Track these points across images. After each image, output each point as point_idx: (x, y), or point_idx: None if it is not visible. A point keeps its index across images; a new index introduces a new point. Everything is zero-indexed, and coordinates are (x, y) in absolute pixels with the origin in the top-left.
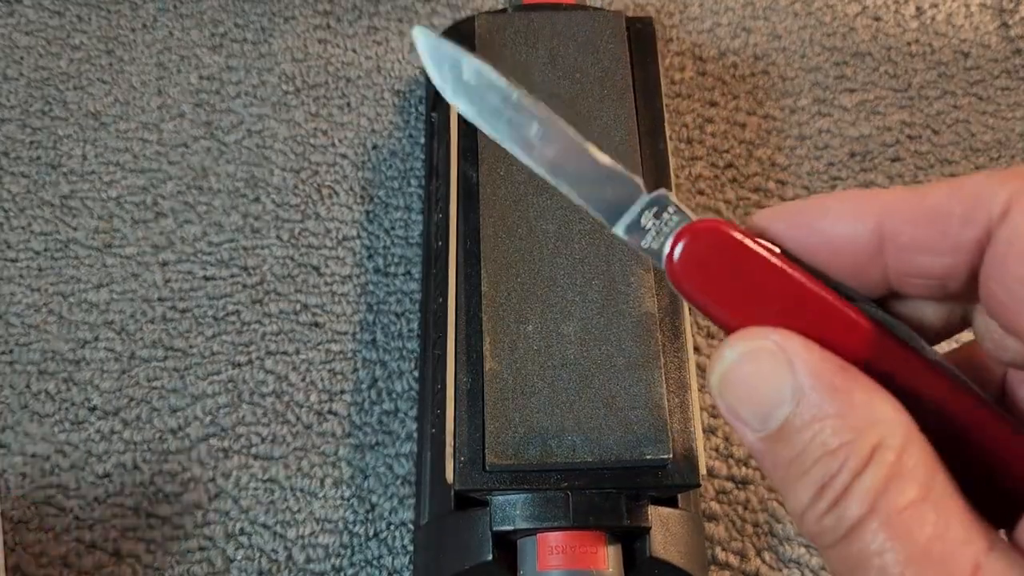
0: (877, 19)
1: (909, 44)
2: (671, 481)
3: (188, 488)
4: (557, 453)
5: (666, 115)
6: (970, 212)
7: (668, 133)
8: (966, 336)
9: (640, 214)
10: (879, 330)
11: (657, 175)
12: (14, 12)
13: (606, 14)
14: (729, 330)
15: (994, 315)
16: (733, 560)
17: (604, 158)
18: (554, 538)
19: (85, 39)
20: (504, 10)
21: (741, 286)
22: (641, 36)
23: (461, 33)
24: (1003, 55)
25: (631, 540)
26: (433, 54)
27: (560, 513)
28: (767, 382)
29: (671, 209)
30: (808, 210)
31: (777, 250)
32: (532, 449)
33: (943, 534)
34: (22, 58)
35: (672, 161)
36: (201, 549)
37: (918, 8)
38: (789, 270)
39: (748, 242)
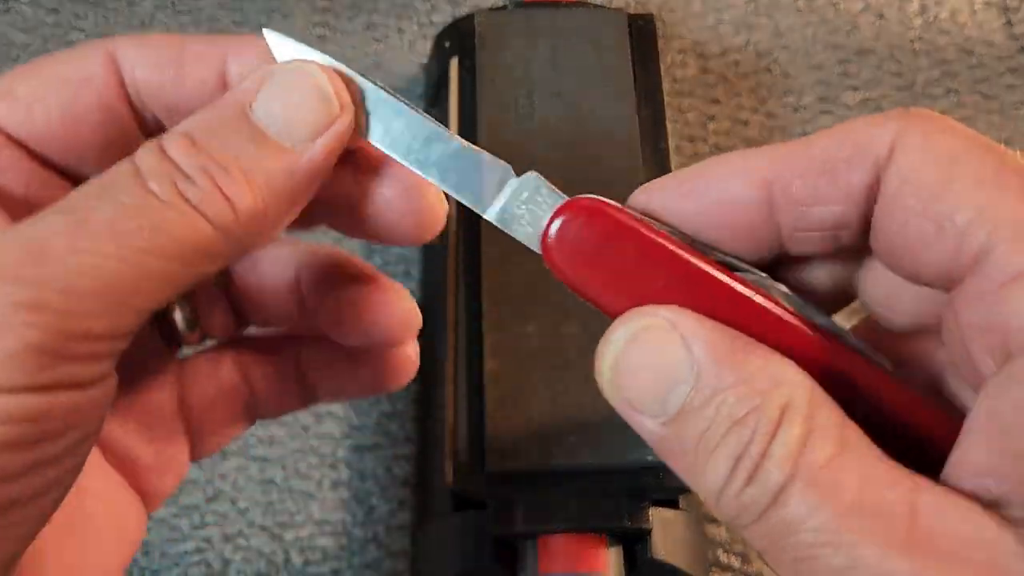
0: (881, 16)
1: (913, 42)
2: (672, 482)
3: (185, 489)
4: (557, 454)
5: (668, 113)
6: (857, 155)
7: (670, 131)
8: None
9: (511, 199)
10: (770, 301)
11: (659, 173)
12: (10, 9)
13: (607, 11)
14: (612, 315)
15: (889, 261)
16: (735, 562)
17: (467, 144)
18: (554, 541)
19: (81, 36)
20: (504, 7)
21: (622, 267)
22: (643, 33)
23: (461, 30)
24: (1008, 53)
25: (632, 542)
26: (285, 55)
27: (560, 515)
28: (661, 362)
29: (544, 191)
30: (690, 178)
31: (657, 226)
32: (532, 451)
33: (870, 483)
34: (18, 56)
35: (674, 160)
36: (199, 551)
37: (922, 5)
38: (671, 246)
39: (626, 219)
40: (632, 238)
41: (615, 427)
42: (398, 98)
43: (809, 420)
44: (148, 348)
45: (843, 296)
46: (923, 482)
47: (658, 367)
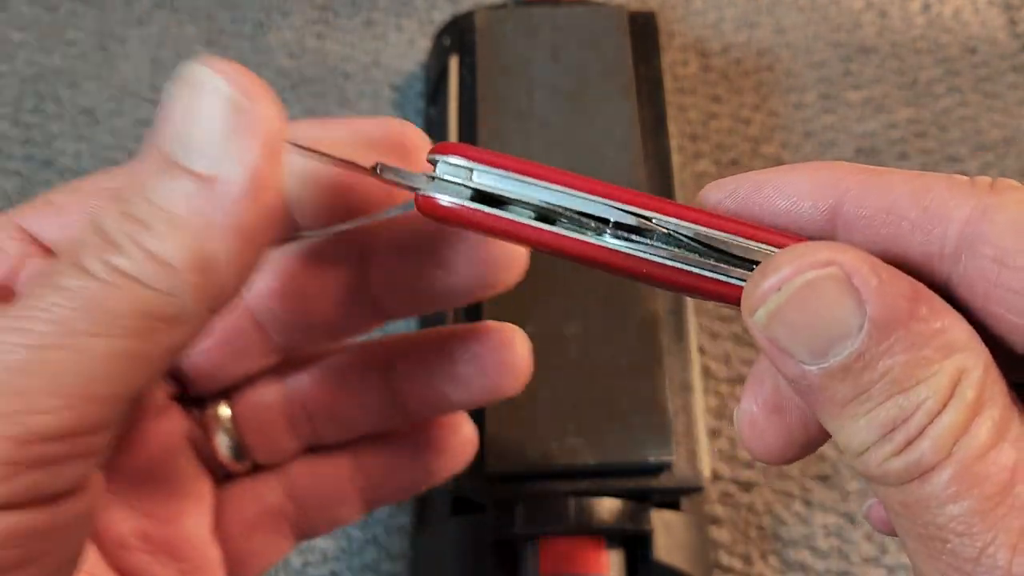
0: (883, 14)
1: (915, 40)
2: (674, 484)
3: None
4: (558, 456)
5: (669, 111)
6: (926, 223)
7: (671, 129)
8: None
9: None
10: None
11: (660, 172)
12: (7, 7)
13: (608, 8)
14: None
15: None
16: (737, 564)
17: None
18: (555, 543)
19: (79, 35)
20: (504, 5)
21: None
22: (644, 31)
23: (460, 28)
24: (1011, 51)
25: (633, 544)
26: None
27: (561, 518)
28: (830, 314)
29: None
30: (761, 182)
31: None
32: (532, 452)
33: (1021, 479)
34: (15, 54)
35: (676, 158)
36: None
37: (925, 3)
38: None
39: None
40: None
41: (616, 428)
42: None
43: (978, 401)
44: (183, 473)
45: None
46: None
47: (825, 319)
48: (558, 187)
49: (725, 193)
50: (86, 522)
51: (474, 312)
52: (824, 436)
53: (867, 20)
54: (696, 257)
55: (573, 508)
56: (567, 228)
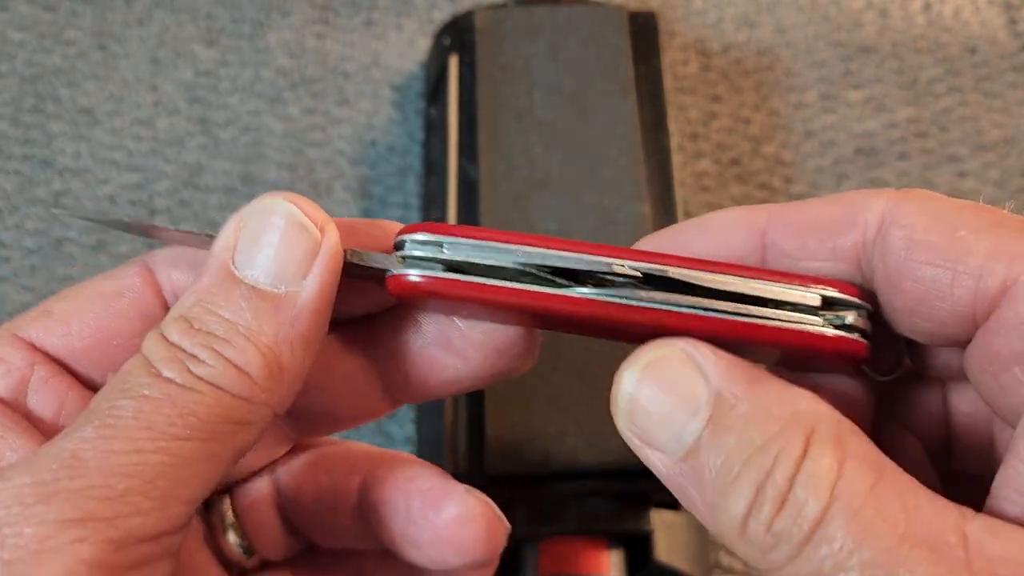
0: (883, 14)
1: (916, 39)
2: None
3: None
4: (558, 457)
5: (669, 111)
6: (847, 219)
7: (671, 129)
8: None
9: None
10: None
11: (660, 171)
12: (7, 7)
13: (608, 8)
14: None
15: (904, 321)
16: (737, 564)
17: None
18: (555, 544)
19: (78, 34)
20: (504, 4)
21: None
22: (644, 30)
23: (460, 27)
24: (1011, 51)
25: (634, 545)
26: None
27: (561, 518)
28: (678, 391)
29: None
30: (693, 229)
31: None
32: (532, 453)
33: (917, 512)
34: (15, 54)
35: (676, 158)
36: None
37: (925, 3)
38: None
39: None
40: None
41: (616, 429)
42: None
43: (840, 447)
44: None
45: None
46: (966, 509)
47: (674, 397)
48: (525, 247)
49: (658, 244)
50: None
51: None
52: None
53: (867, 20)
54: (664, 295)
55: (573, 509)
56: (539, 284)
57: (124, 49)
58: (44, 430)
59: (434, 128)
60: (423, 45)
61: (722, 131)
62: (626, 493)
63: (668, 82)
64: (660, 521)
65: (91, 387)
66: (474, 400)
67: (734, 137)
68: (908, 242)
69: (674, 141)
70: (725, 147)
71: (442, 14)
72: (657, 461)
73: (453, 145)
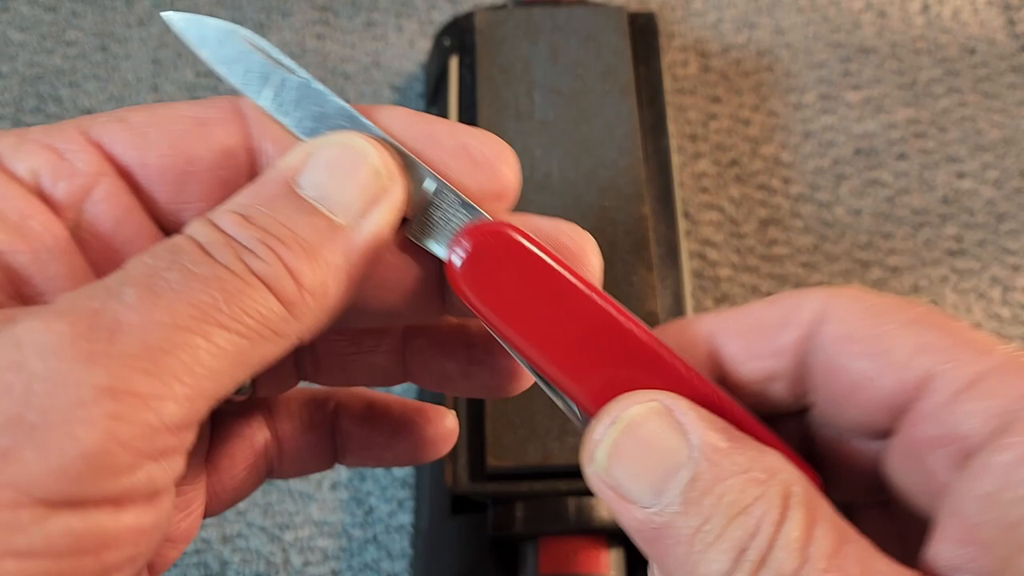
0: (883, 15)
1: (915, 40)
2: None
3: None
4: (558, 455)
5: (669, 111)
6: (786, 318)
7: (671, 130)
8: None
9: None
10: (658, 343)
11: (660, 172)
12: (8, 8)
13: (608, 9)
14: (513, 347)
15: (831, 411)
16: None
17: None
18: (555, 542)
19: (80, 35)
20: (504, 5)
21: (526, 297)
22: (643, 31)
23: (460, 28)
24: (1010, 51)
25: (633, 544)
26: (195, 31)
27: (561, 517)
28: (659, 448)
29: (453, 202)
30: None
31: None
32: (532, 451)
33: (875, 573)
34: (16, 54)
35: (675, 158)
36: (197, 552)
37: (924, 4)
38: (575, 280)
39: (533, 248)
40: (538, 269)
41: None
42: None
43: (811, 511)
44: None
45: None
46: (915, 572)
47: (655, 454)
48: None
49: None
50: (169, 517)
51: None
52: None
53: (867, 20)
54: None
55: (573, 507)
56: None
57: (125, 50)
58: (93, 249)
59: None
60: (423, 46)
61: (721, 132)
62: None
63: (668, 83)
64: None
65: (154, 214)
66: (474, 400)
67: (733, 138)
68: (839, 338)
69: (674, 142)
70: (724, 148)
71: (442, 15)
72: (630, 514)
73: None
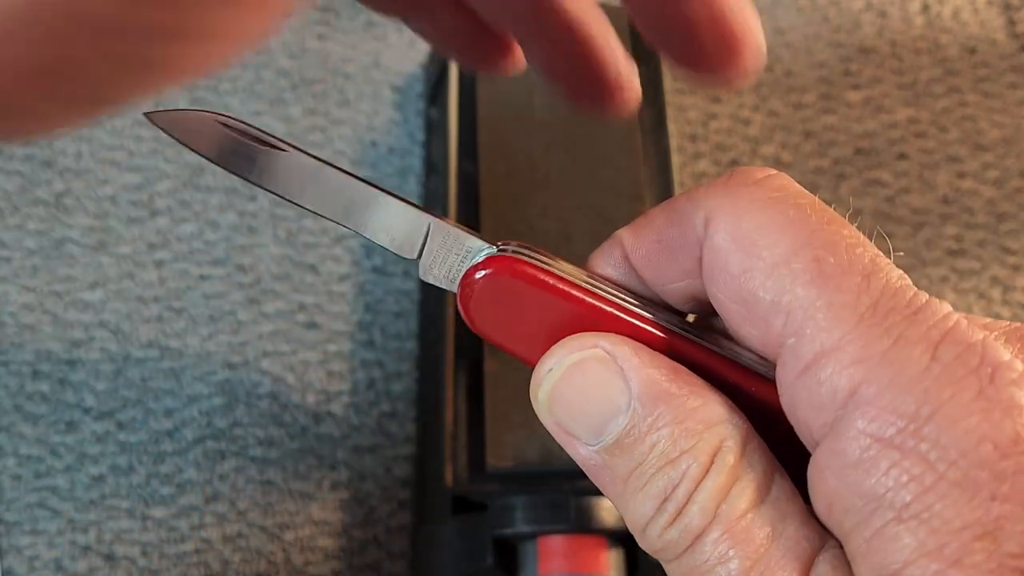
0: (883, 15)
1: (915, 40)
2: None
3: (184, 490)
4: (558, 455)
5: (669, 111)
6: (682, 235)
7: (671, 129)
8: None
9: (429, 246)
10: (688, 340)
11: (660, 172)
12: None
13: (607, 9)
14: (531, 364)
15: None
16: None
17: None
18: (555, 542)
19: None
20: None
21: (540, 325)
22: None
23: None
24: (1010, 51)
25: (633, 544)
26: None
27: (561, 516)
28: (600, 392)
29: (457, 238)
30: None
31: (579, 276)
32: (533, 451)
33: (780, 536)
34: None
35: (675, 158)
36: (197, 552)
37: (924, 4)
38: (588, 298)
39: (543, 277)
40: (551, 296)
41: None
42: (319, 159)
43: (737, 466)
44: None
45: None
46: (830, 545)
47: (595, 398)
48: None
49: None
50: None
51: None
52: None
53: (867, 20)
54: None
55: (573, 507)
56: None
57: None
58: None
59: (435, 129)
60: (423, 46)
61: (721, 132)
62: None
63: (668, 83)
64: None
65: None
66: (474, 399)
67: (733, 138)
68: (712, 271)
69: (674, 142)
70: (724, 148)
71: None
72: (574, 448)
73: (453, 145)
